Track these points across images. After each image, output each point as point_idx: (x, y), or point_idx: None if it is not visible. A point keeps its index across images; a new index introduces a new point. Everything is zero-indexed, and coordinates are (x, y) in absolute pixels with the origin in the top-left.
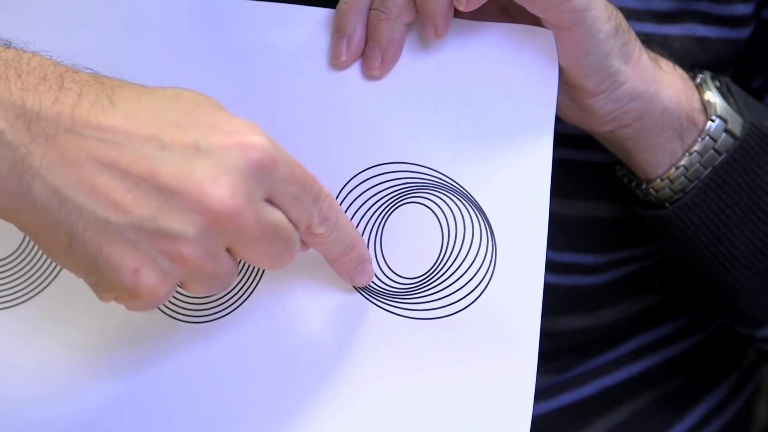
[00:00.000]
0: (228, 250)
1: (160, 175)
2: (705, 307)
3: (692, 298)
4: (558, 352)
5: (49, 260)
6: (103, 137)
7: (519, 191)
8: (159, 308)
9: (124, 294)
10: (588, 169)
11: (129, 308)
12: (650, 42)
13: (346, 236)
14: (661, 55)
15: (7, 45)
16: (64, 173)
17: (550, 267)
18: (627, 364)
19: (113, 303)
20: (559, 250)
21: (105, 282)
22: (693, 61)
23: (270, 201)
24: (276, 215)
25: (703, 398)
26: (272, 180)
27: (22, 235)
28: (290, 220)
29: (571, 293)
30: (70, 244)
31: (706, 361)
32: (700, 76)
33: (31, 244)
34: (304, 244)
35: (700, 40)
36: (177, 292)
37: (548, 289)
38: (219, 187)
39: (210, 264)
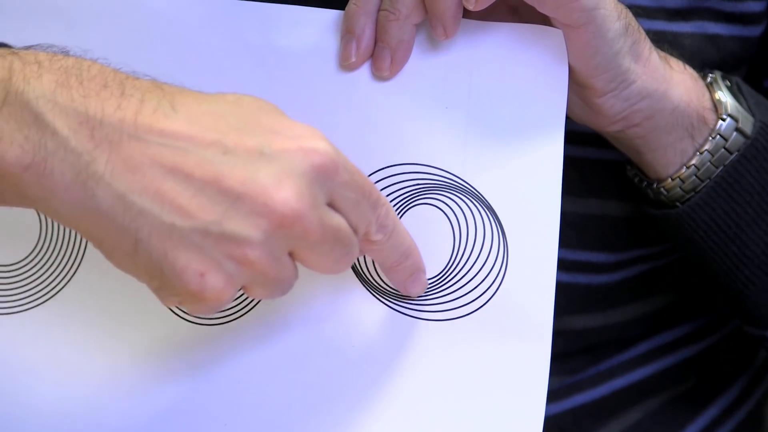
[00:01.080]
0: (290, 254)
1: (225, 179)
2: (717, 310)
3: (704, 300)
4: (570, 353)
5: (63, 264)
6: (167, 142)
7: (530, 191)
8: (172, 309)
9: (189, 298)
10: (600, 167)
11: (192, 312)
12: (661, 40)
13: (402, 245)
14: (672, 54)
15: (66, 53)
16: (128, 179)
17: (562, 265)
18: (639, 366)
19: (126, 304)
20: (571, 248)
21: (169, 287)
22: (704, 58)
23: (331, 206)
24: (338, 219)
25: (714, 400)
26: (334, 184)
27: (35, 239)
28: (350, 226)
29: (582, 292)
30: (134, 250)
31: (718, 364)
32: (711, 75)
33: (45, 247)
34: (360, 251)
35: (712, 38)
36: None
37: (560, 288)
38: (284, 191)
39: (274, 268)
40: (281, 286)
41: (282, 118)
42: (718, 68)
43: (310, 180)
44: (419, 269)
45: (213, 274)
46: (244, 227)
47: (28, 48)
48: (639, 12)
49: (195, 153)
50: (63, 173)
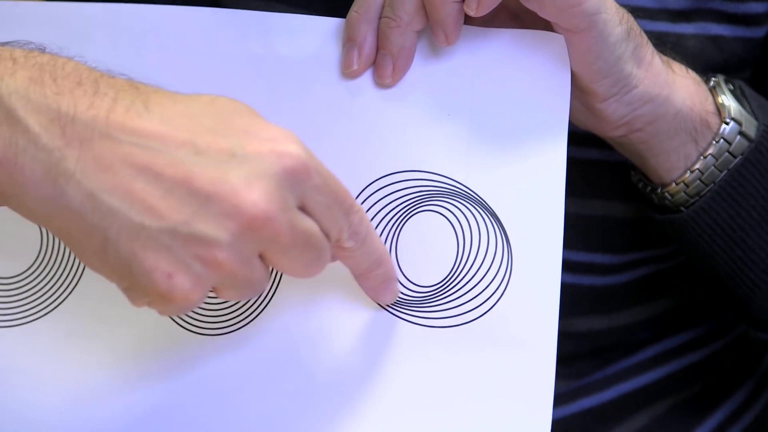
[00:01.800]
0: (260, 256)
1: (195, 179)
2: (723, 314)
3: (710, 304)
4: (577, 356)
5: (63, 277)
6: (138, 142)
7: (533, 198)
8: (175, 321)
9: (158, 299)
10: (604, 168)
11: (161, 313)
12: (664, 41)
13: (374, 252)
14: (674, 57)
15: (42, 50)
16: (98, 177)
17: (566, 266)
18: (646, 370)
19: (127, 317)
20: (575, 249)
21: (138, 287)
22: (708, 60)
23: (303, 209)
24: (308, 223)
25: (720, 405)
26: (306, 188)
27: (36, 251)
28: (322, 231)
29: (587, 294)
30: (103, 249)
31: (724, 369)
32: (714, 79)
33: (46, 260)
34: (332, 257)
35: (715, 39)
36: None
37: (564, 289)
38: (253, 193)
39: (243, 270)
40: (251, 288)
41: (256, 119)
42: (722, 70)
43: (280, 182)
44: (390, 278)
45: (181, 275)
46: (213, 228)
47: (5, 44)
48: (642, 14)
49: (166, 153)
50: (33, 170)
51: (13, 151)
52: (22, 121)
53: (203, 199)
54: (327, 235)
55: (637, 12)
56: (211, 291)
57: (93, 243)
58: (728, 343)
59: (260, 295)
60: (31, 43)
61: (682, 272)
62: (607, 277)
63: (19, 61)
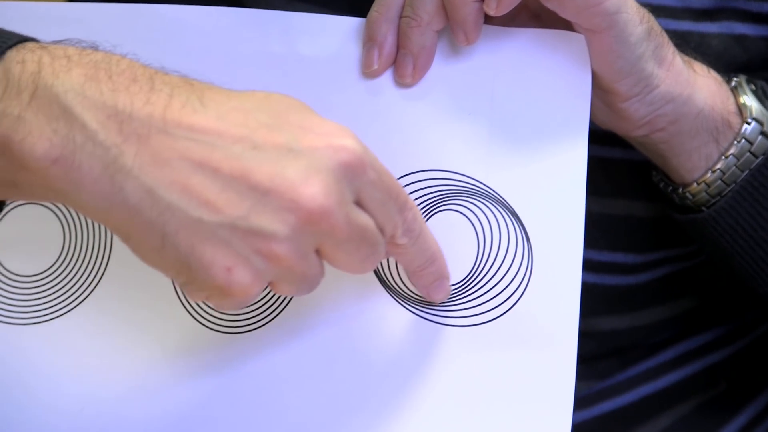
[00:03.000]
0: (316, 251)
1: (253, 174)
2: (745, 314)
3: (732, 304)
4: (598, 356)
5: (86, 274)
6: (195, 137)
7: (554, 197)
8: (197, 320)
9: (216, 293)
10: (626, 167)
11: (218, 307)
12: (687, 40)
13: (428, 250)
14: (696, 57)
15: (95, 47)
16: (156, 173)
17: (589, 266)
18: (667, 372)
19: (149, 316)
20: (597, 248)
21: (197, 281)
22: (731, 59)
23: (358, 204)
24: (365, 218)
25: (745, 406)
26: (361, 183)
27: (59, 249)
28: (377, 226)
29: (609, 293)
30: (162, 244)
31: (747, 369)
32: (735, 79)
33: (68, 258)
34: (386, 253)
35: (739, 38)
36: None
37: (587, 289)
38: (311, 187)
39: (301, 264)
40: (308, 283)
41: (311, 115)
42: (745, 69)
43: (337, 177)
44: (443, 276)
45: (240, 269)
46: (272, 222)
47: (57, 42)
48: (665, 13)
49: (223, 148)
50: (91, 167)
51: (70, 149)
52: (79, 118)
53: (261, 193)
54: (382, 231)
55: (660, 11)
56: None
57: (151, 239)
58: (751, 341)
59: (273, 297)
60: (83, 41)
61: (703, 271)
62: (629, 277)
63: (73, 58)
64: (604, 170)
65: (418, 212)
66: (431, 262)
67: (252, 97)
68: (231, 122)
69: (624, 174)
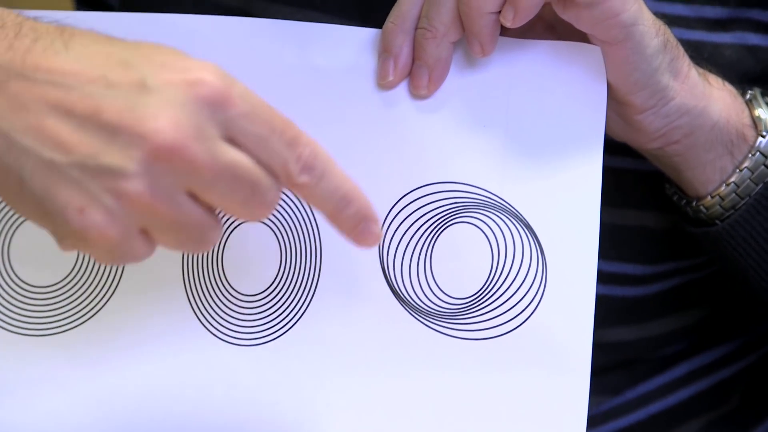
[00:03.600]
0: (194, 196)
1: (104, 112)
2: (758, 327)
3: (743, 317)
4: (608, 368)
5: (100, 285)
6: (53, 80)
7: (569, 210)
8: (210, 332)
9: (78, 239)
10: (638, 178)
11: (97, 259)
12: (701, 50)
13: (338, 189)
14: (710, 68)
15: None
16: (12, 118)
17: (598, 276)
18: (679, 388)
19: (164, 327)
20: (607, 259)
21: (58, 227)
22: (745, 70)
23: (232, 142)
24: (234, 154)
25: (759, 422)
26: (228, 117)
27: (73, 260)
28: (261, 165)
29: (619, 304)
30: (20, 189)
31: (761, 384)
32: (750, 92)
33: (83, 270)
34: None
35: (752, 49)
36: (227, 313)
37: (596, 299)
38: (160, 121)
39: (165, 206)
40: (189, 232)
41: (177, 54)
42: (759, 80)
43: (193, 111)
44: (366, 217)
45: (92, 210)
46: (119, 159)
47: None
48: (678, 22)
49: (78, 88)
50: None
51: None
52: None
53: (111, 131)
54: (270, 170)
55: (674, 21)
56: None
57: (11, 184)
58: (763, 356)
59: (294, 308)
60: None
61: (713, 282)
62: (639, 288)
63: None
64: (615, 180)
65: (321, 149)
66: (346, 203)
67: (124, 42)
68: (89, 63)
69: (634, 184)
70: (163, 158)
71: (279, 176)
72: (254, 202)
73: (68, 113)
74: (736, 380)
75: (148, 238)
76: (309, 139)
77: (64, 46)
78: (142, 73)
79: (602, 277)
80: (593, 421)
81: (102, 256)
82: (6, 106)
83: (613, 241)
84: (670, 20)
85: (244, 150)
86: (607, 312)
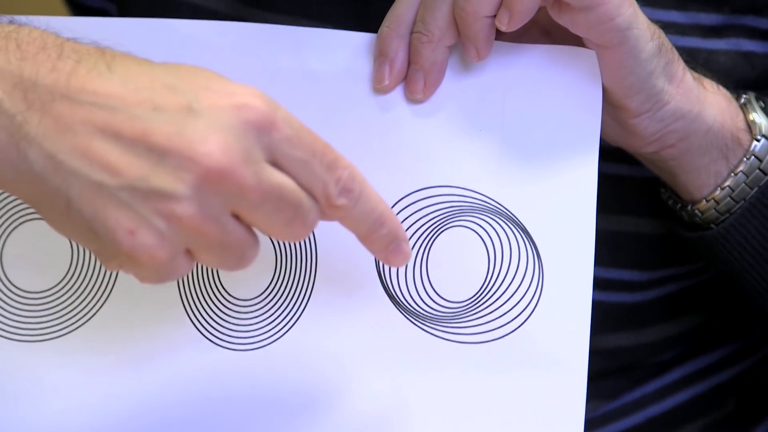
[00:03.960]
0: (237, 217)
1: (152, 135)
2: (753, 332)
3: (740, 321)
4: (605, 374)
5: (94, 291)
6: (98, 102)
7: (565, 213)
8: (206, 337)
9: (125, 259)
10: (634, 184)
11: (139, 279)
12: (696, 57)
13: (373, 211)
14: (705, 74)
15: (11, 21)
16: (58, 139)
17: (595, 283)
18: (675, 392)
19: (158, 332)
20: (604, 266)
21: (106, 248)
22: (740, 76)
23: (275, 165)
24: (279, 177)
25: (755, 426)
26: (273, 141)
27: (66, 265)
28: (302, 187)
29: (615, 310)
30: (67, 210)
31: (757, 388)
32: (744, 96)
33: (77, 274)
34: (327, 216)
35: (747, 55)
36: (222, 317)
37: (593, 306)
38: (209, 144)
39: (212, 228)
40: (232, 251)
41: (220, 78)
42: (754, 86)
43: (240, 135)
44: (397, 238)
45: (143, 231)
46: (170, 182)
47: None
48: (673, 29)
49: (124, 111)
50: None
51: None
52: None
53: (160, 153)
54: (310, 193)
55: (669, 27)
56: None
57: (57, 205)
58: (760, 359)
59: (291, 311)
60: (3, 17)
61: (710, 288)
62: (636, 294)
63: None
64: (611, 187)
65: (357, 172)
66: (380, 225)
67: (164, 65)
68: (135, 86)
69: (631, 191)
70: (213, 181)
71: (319, 198)
72: (296, 223)
73: (115, 136)
74: (732, 384)
75: (190, 256)
76: (347, 162)
77: (107, 67)
78: (188, 97)
79: (599, 284)
80: (590, 424)
81: (147, 276)
82: (52, 127)
83: (609, 247)
84: (665, 27)
85: (286, 173)
86: (603, 318)
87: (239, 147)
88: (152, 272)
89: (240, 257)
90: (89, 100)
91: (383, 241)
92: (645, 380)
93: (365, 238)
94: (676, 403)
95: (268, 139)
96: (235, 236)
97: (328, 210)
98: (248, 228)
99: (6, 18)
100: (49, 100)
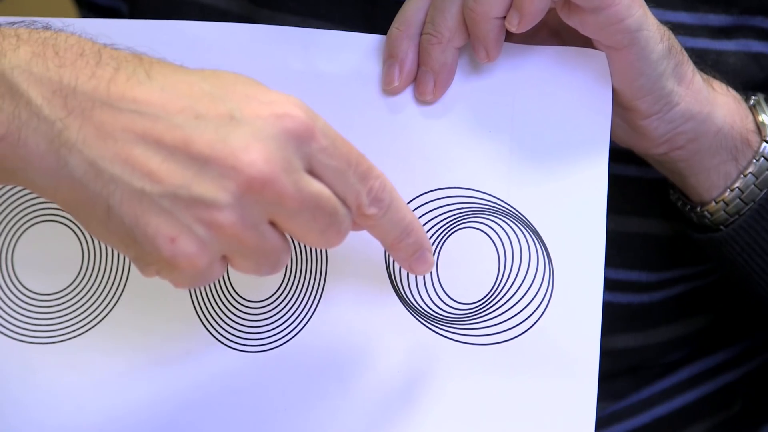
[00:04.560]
0: (273, 224)
1: (194, 143)
2: (760, 333)
3: (747, 322)
4: (613, 374)
5: (105, 293)
6: (139, 109)
7: (575, 215)
8: (216, 338)
9: (164, 265)
10: (643, 185)
11: (174, 284)
12: (705, 58)
13: (401, 220)
14: (714, 75)
15: (47, 27)
16: (99, 146)
17: (603, 284)
18: (682, 392)
19: (169, 333)
20: (613, 267)
21: (144, 254)
22: (749, 77)
23: (313, 174)
24: (318, 186)
25: (761, 426)
26: (311, 150)
27: (77, 268)
28: (337, 196)
29: (623, 311)
30: (107, 217)
31: (763, 388)
32: (754, 97)
33: (87, 276)
34: (357, 226)
35: (756, 56)
36: (233, 319)
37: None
38: (252, 153)
39: (251, 235)
40: (267, 258)
41: (258, 86)
42: (763, 87)
43: (281, 144)
44: (423, 247)
45: (184, 239)
46: (212, 190)
47: (12, 24)
48: (682, 30)
49: (166, 119)
50: (37, 142)
51: (16, 125)
52: (24, 95)
53: (202, 162)
54: (344, 202)
55: (678, 28)
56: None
57: (97, 212)
58: (765, 361)
59: (302, 312)
60: (37, 22)
61: (718, 289)
62: (644, 295)
63: (22, 37)
64: (619, 188)
65: (388, 182)
66: (407, 234)
67: (201, 72)
68: (175, 93)
69: (639, 192)
70: (255, 190)
71: (351, 207)
72: (331, 231)
73: (157, 143)
74: (738, 385)
75: (226, 261)
76: (379, 173)
77: (146, 75)
78: (230, 106)
79: (607, 284)
80: (597, 424)
81: (183, 281)
82: (93, 134)
83: (617, 248)
84: (674, 28)
85: (322, 182)
86: (611, 319)
87: (280, 156)
88: (189, 278)
89: (275, 263)
90: (130, 107)
91: (409, 250)
92: (652, 380)
93: (392, 247)
94: (683, 403)
95: (307, 148)
96: (272, 243)
97: (359, 219)
98: (283, 235)
99: (41, 22)
100: (90, 107)
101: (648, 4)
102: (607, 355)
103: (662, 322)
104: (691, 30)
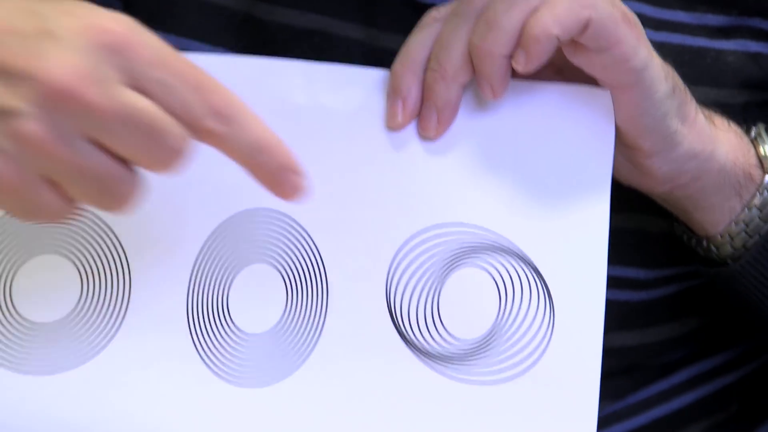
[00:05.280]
0: (93, 142)
1: (5, 57)
2: (758, 336)
3: (743, 325)
4: (609, 373)
5: (103, 324)
6: None
7: (576, 253)
8: (215, 373)
9: None
10: None
11: (9, 212)
12: (704, 56)
13: (251, 136)
14: (713, 76)
15: None
16: None
17: None
18: (679, 394)
19: (167, 367)
20: (609, 263)
21: None
22: (748, 76)
23: (136, 89)
24: (133, 97)
25: (756, 428)
26: (131, 63)
27: (76, 299)
28: (167, 111)
29: (620, 309)
30: None
31: (760, 391)
32: (754, 129)
33: (86, 308)
34: (206, 142)
35: (754, 56)
36: (231, 353)
37: None
38: (55, 62)
39: (65, 151)
40: (97, 183)
41: (89, 6)
42: (761, 86)
43: (91, 55)
44: (283, 167)
45: None
46: (11, 99)
47: None
48: (681, 29)
49: None
50: None
51: None
52: None
53: (6, 75)
54: (176, 116)
55: (677, 28)
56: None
57: None
58: (764, 363)
59: (301, 348)
60: None
61: (714, 289)
62: (641, 293)
63: None
64: (615, 184)
65: (235, 98)
66: (259, 151)
67: None
68: None
69: (635, 188)
70: (56, 99)
71: (183, 121)
72: (160, 149)
73: None
74: (736, 387)
75: (57, 189)
76: (223, 88)
77: None
78: (48, 21)
79: None
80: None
81: (12, 207)
82: None
83: (614, 245)
84: (673, 27)
85: (150, 97)
86: (608, 316)
87: (86, 66)
88: (14, 202)
89: (111, 192)
90: None
91: (265, 169)
92: (650, 381)
93: (247, 166)
94: (680, 405)
95: (123, 60)
96: (97, 164)
97: (200, 135)
98: (119, 160)
99: None
100: None
101: (646, 3)
102: (604, 353)
103: (659, 320)
104: (689, 29)
